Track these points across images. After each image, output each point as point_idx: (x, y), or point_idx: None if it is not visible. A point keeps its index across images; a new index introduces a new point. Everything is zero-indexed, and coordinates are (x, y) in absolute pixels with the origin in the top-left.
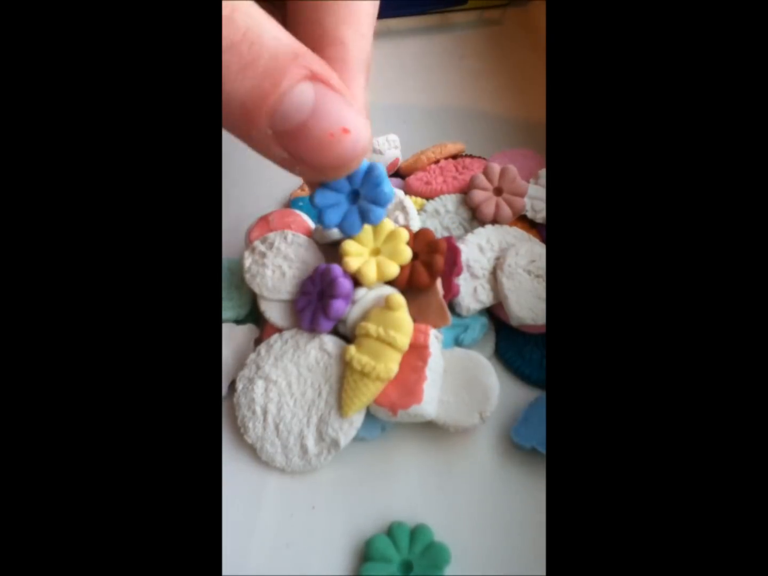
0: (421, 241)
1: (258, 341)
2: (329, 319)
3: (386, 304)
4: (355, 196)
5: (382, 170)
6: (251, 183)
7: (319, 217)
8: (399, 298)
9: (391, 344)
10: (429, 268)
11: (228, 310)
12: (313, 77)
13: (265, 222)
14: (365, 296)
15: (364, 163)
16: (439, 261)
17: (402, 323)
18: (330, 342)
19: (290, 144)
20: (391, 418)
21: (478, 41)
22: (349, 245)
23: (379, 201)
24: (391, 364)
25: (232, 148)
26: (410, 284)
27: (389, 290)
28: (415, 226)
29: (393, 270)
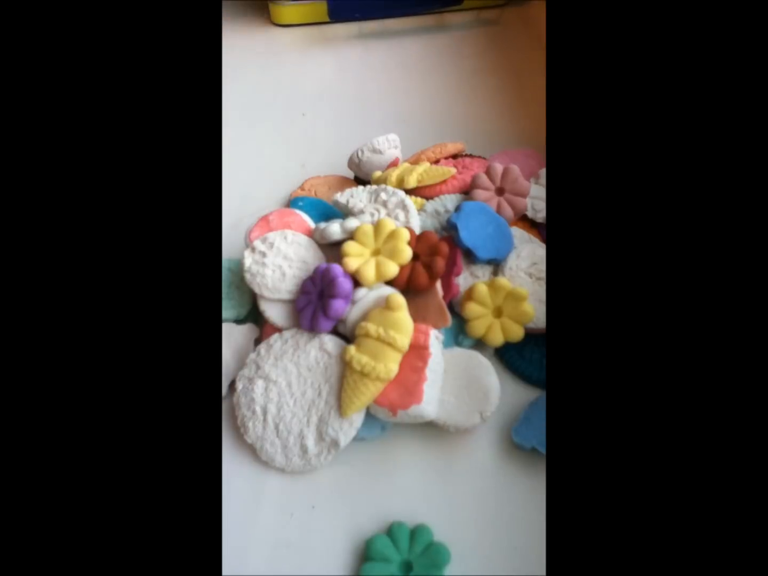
0: (424, 244)
1: (258, 341)
2: (329, 319)
3: (386, 305)
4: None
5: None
6: (251, 183)
7: None
8: (399, 299)
9: (391, 344)
10: (429, 270)
11: (228, 310)
12: None
13: (265, 222)
14: (366, 296)
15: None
16: (440, 263)
17: (402, 323)
18: (330, 342)
19: None
20: (391, 418)
21: (477, 41)
22: (350, 246)
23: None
24: (391, 365)
25: (233, 148)
26: (410, 285)
27: (389, 290)
28: (415, 225)
29: (392, 270)
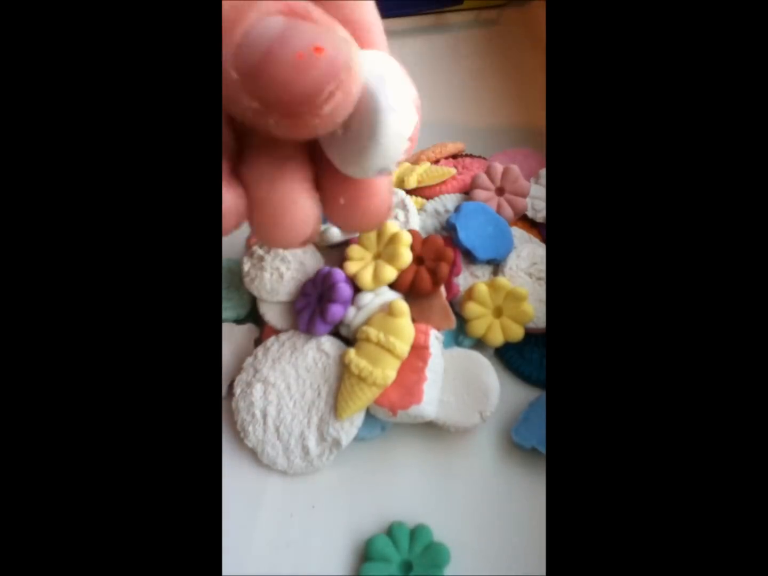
0: (430, 248)
1: (258, 341)
2: (326, 323)
3: (389, 310)
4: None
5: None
6: None
7: None
8: (402, 305)
9: (390, 351)
10: (433, 275)
11: (228, 310)
12: (290, 12)
13: None
14: (372, 302)
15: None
16: (445, 269)
17: (403, 330)
18: (328, 342)
19: (256, 84)
20: (390, 419)
21: (476, 41)
22: (352, 250)
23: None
24: (388, 371)
25: None
26: (413, 290)
27: (395, 296)
28: (415, 224)
29: (389, 274)
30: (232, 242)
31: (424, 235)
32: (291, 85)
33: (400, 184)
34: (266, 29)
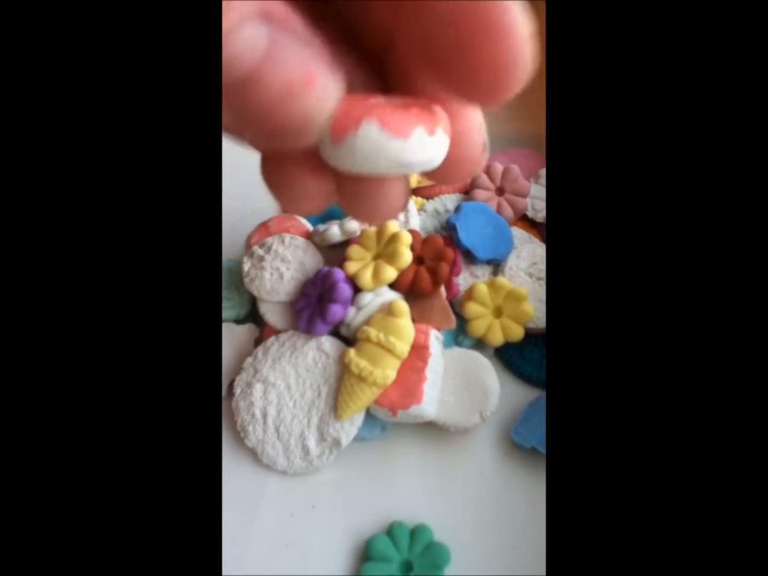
0: (429, 248)
1: (258, 341)
2: (326, 323)
3: (389, 310)
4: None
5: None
6: (251, 182)
7: None
8: (402, 305)
9: (390, 351)
10: (433, 275)
11: (228, 310)
12: (268, 17)
13: (264, 228)
14: (372, 301)
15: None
16: (445, 269)
17: (403, 330)
18: (327, 342)
19: (237, 100)
20: (391, 418)
21: None
22: (353, 250)
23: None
24: (388, 371)
25: (233, 147)
26: (413, 289)
27: (395, 296)
28: (415, 224)
29: (389, 274)
30: (232, 242)
31: (424, 235)
32: (276, 112)
33: None
34: (250, 39)
